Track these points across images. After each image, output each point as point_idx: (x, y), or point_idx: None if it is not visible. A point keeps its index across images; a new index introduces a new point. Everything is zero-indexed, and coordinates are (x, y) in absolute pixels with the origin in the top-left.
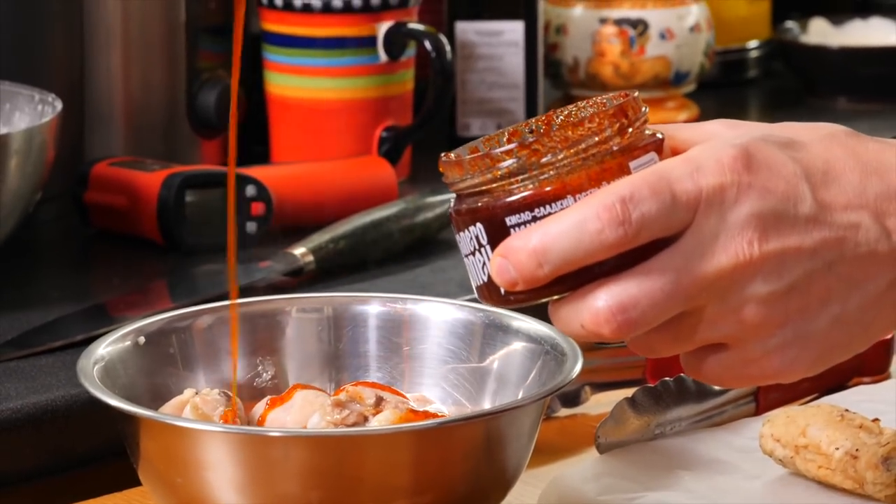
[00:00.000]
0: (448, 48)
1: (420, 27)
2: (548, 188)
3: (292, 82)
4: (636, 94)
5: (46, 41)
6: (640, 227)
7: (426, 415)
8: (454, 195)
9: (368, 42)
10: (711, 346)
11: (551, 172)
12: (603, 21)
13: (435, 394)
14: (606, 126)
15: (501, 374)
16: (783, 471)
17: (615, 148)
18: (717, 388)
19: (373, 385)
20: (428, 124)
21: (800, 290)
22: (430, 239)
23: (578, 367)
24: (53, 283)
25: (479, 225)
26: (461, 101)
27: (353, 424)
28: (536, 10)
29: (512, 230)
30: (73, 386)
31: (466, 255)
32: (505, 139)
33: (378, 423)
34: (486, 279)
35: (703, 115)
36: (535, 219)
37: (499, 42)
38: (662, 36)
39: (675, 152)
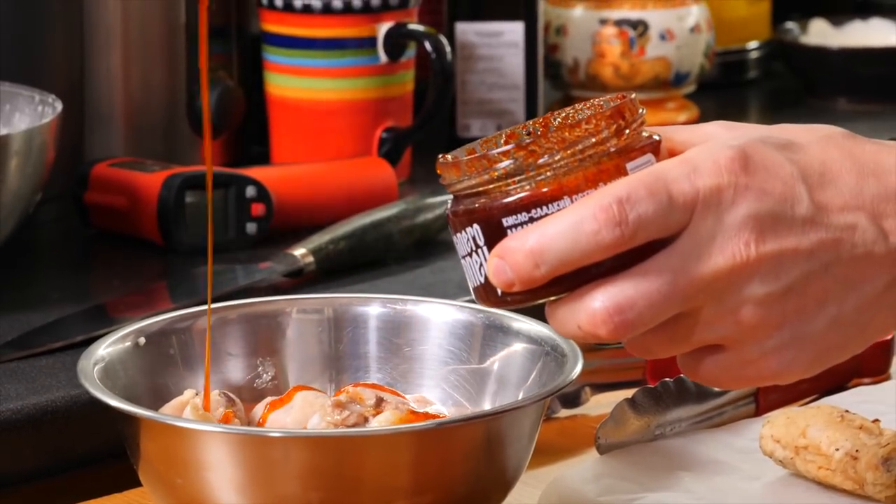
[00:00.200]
0: (448, 49)
1: (420, 28)
2: (544, 189)
3: (292, 83)
4: (633, 95)
5: (46, 42)
6: (636, 228)
7: (426, 416)
8: (452, 196)
9: (368, 43)
10: (708, 348)
11: (548, 173)
12: (603, 22)
13: (435, 395)
14: (603, 127)
15: (502, 375)
16: (783, 472)
17: (612, 149)
18: (716, 389)
19: (373, 386)
20: (428, 125)
21: (797, 291)
22: (430, 240)
23: (578, 369)
24: (53, 284)
25: (475, 226)
26: (461, 102)
27: (354, 425)
28: (536, 11)
29: (509, 231)
30: (74, 387)
31: (463, 257)
32: (502, 141)
33: (378, 423)
34: (482, 280)
35: (704, 116)
36: (531, 220)
37: (499, 43)
38: (662, 37)
39: (673, 154)
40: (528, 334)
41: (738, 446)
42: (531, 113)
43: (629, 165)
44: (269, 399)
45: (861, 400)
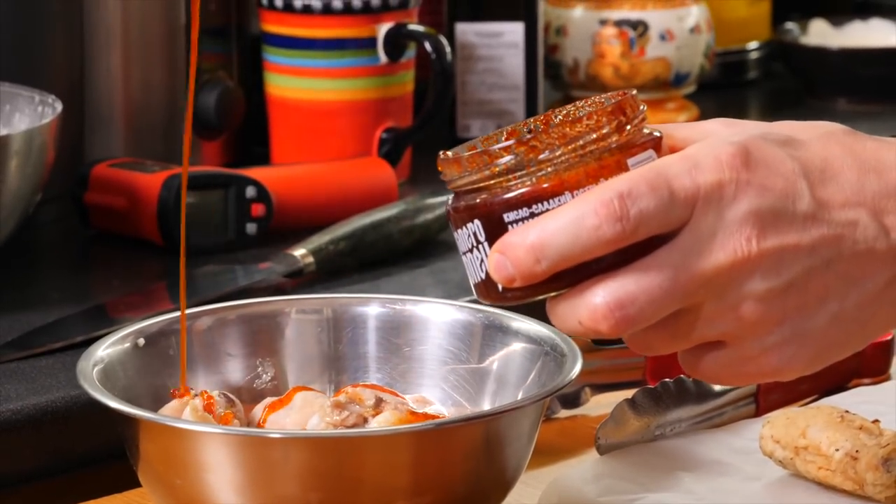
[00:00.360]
0: (448, 49)
1: (420, 28)
2: (545, 185)
3: (292, 83)
4: (634, 92)
5: (46, 42)
6: (637, 223)
7: (426, 416)
8: (452, 193)
9: (368, 43)
10: (709, 344)
11: (549, 169)
12: (603, 22)
13: (435, 395)
14: (604, 123)
15: (501, 375)
16: (783, 472)
17: (613, 145)
18: (716, 389)
19: (372, 387)
20: (428, 125)
21: (798, 287)
22: (430, 240)
23: (578, 369)
24: (53, 285)
25: (476, 222)
26: (461, 103)
27: (353, 426)
28: (536, 12)
29: (510, 227)
30: (73, 387)
31: (464, 253)
32: (503, 137)
33: (378, 424)
34: (483, 276)
35: (703, 117)
36: (532, 215)
37: (499, 43)
38: (662, 37)
39: (673, 150)
40: (527, 334)
41: (738, 447)
42: (531, 113)
43: (630, 161)
44: (268, 400)
45: (861, 400)
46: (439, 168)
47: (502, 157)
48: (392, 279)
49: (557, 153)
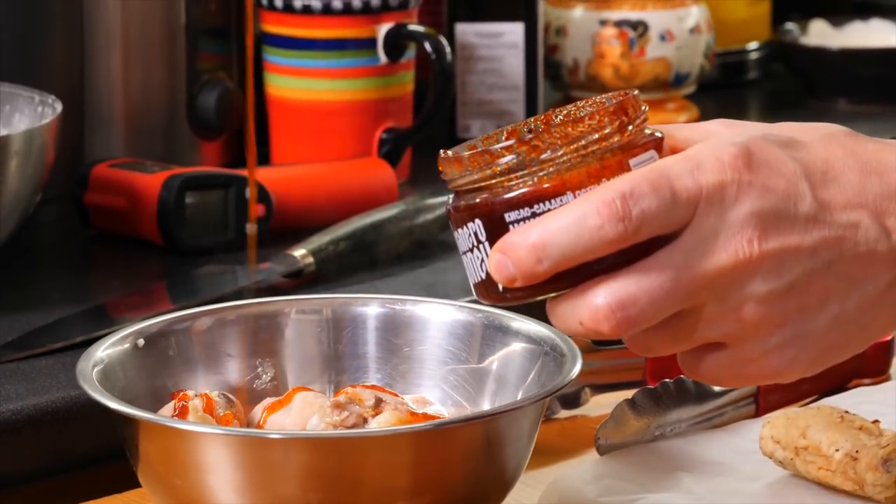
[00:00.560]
0: (448, 50)
1: (420, 29)
2: (547, 184)
3: (292, 84)
4: (636, 92)
5: (46, 42)
6: (639, 223)
7: (425, 416)
8: (452, 193)
9: (368, 44)
10: (710, 346)
11: (551, 169)
12: (603, 23)
13: (434, 395)
14: (606, 123)
15: (501, 375)
16: (783, 472)
17: (615, 145)
18: (716, 389)
19: (372, 387)
20: (428, 126)
21: (799, 289)
22: (429, 240)
23: (578, 369)
24: (53, 285)
25: (477, 221)
26: (461, 103)
27: (353, 426)
28: (536, 12)
29: (511, 226)
30: (73, 387)
31: (464, 252)
32: (504, 137)
33: (377, 424)
34: (484, 276)
35: (703, 117)
36: (534, 215)
37: (499, 44)
38: (662, 37)
39: (675, 151)
40: (527, 334)
41: (738, 447)
42: (531, 114)
43: (632, 161)
44: (268, 400)
45: (861, 401)
46: (440, 167)
47: (504, 156)
48: (392, 279)
49: (559, 153)
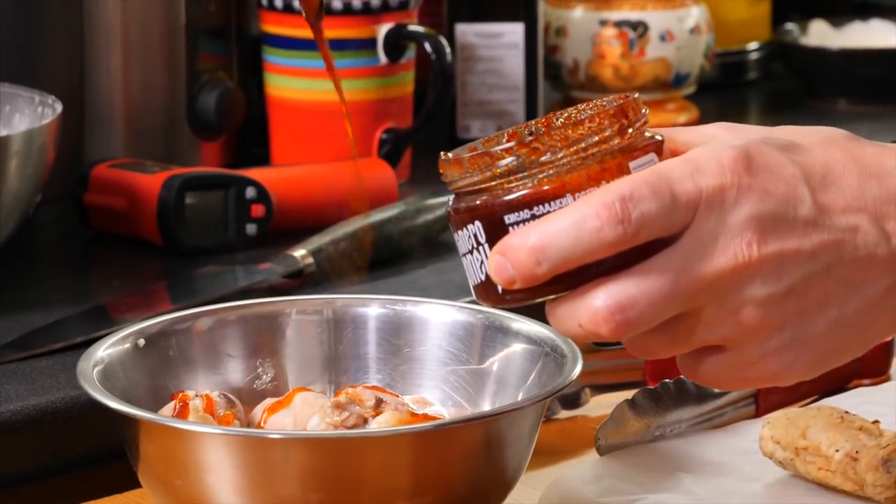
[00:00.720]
0: (448, 50)
1: (420, 29)
2: (547, 187)
3: (292, 84)
4: (636, 95)
5: (46, 43)
6: (639, 226)
7: (426, 417)
8: (453, 194)
9: (368, 44)
10: (708, 349)
11: (551, 171)
12: (603, 23)
13: (435, 395)
14: (607, 126)
15: (501, 375)
16: (783, 473)
17: (615, 148)
18: (716, 390)
19: (373, 388)
20: (428, 126)
21: (798, 292)
22: (430, 241)
23: (578, 369)
24: (53, 285)
25: (477, 223)
26: (461, 103)
27: (353, 426)
28: (536, 12)
29: (510, 228)
30: (74, 388)
31: (464, 254)
32: (504, 139)
33: (378, 425)
34: (483, 278)
35: (703, 117)
36: (533, 217)
37: (499, 44)
38: (662, 38)
39: (675, 154)
40: (527, 335)
41: (738, 447)
42: (531, 114)
43: (632, 164)
44: (268, 400)
45: (861, 401)
46: (440, 169)
47: (504, 158)
48: (392, 280)
49: (559, 155)
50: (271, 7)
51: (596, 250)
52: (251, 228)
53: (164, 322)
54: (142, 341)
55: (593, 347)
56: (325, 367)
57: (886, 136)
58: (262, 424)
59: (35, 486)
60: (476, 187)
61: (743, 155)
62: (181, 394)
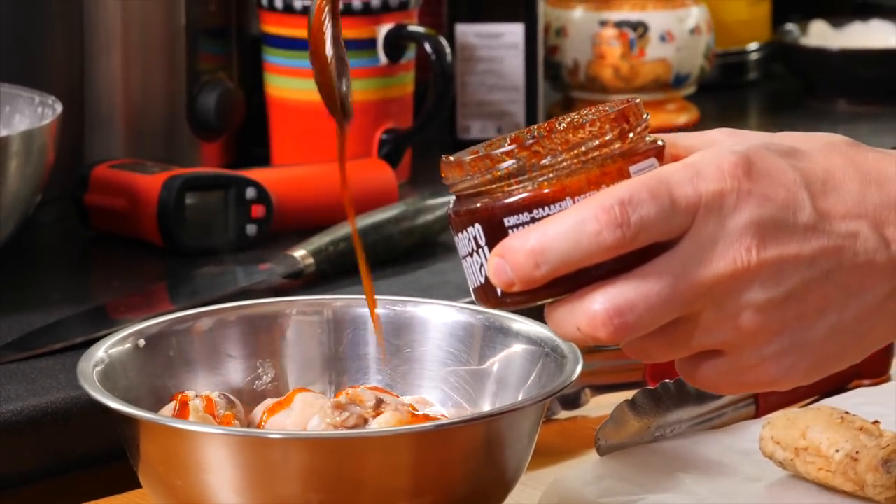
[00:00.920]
0: (448, 50)
1: (420, 29)
2: (547, 190)
3: (292, 84)
4: (638, 100)
5: (46, 43)
6: (638, 229)
7: (426, 417)
8: (454, 197)
9: (368, 44)
10: (707, 353)
11: (551, 174)
12: (603, 23)
13: (435, 396)
14: (607, 130)
15: (501, 376)
16: (783, 473)
17: (616, 152)
18: None
19: (373, 388)
20: (428, 127)
21: (797, 298)
22: (430, 241)
23: (578, 370)
24: (53, 286)
25: (477, 226)
26: (461, 104)
27: (353, 427)
28: (536, 13)
29: (510, 231)
30: (74, 388)
31: (464, 257)
32: (506, 143)
33: (378, 425)
34: (483, 280)
35: (704, 118)
36: (533, 220)
37: (499, 44)
38: (663, 38)
39: (676, 159)
40: (527, 335)
41: (738, 448)
42: (531, 114)
43: (632, 169)
44: (268, 401)
45: (861, 401)
46: (441, 171)
47: (504, 161)
48: (392, 280)
49: (559, 158)
50: (271, 7)
51: (595, 254)
52: (251, 229)
53: (165, 322)
54: (142, 342)
55: (593, 348)
56: (325, 368)
57: (887, 136)
58: (262, 425)
59: (35, 486)
60: (477, 190)
61: (743, 160)
62: (181, 394)
